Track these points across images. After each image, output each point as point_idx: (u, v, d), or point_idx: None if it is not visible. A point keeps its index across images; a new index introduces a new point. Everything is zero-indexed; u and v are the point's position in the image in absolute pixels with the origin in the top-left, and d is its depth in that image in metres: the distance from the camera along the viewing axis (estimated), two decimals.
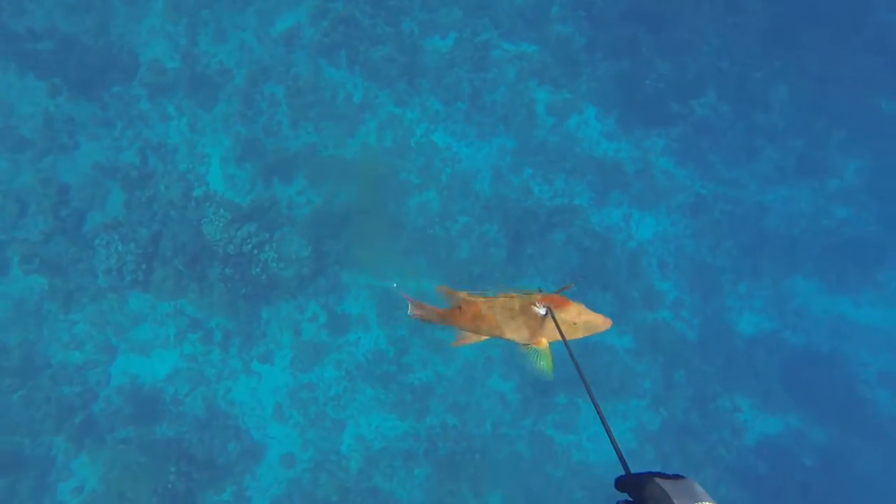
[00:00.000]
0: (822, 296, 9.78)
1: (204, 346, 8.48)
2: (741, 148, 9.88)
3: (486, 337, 2.07)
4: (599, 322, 1.95)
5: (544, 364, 1.94)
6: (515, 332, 1.98)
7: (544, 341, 1.96)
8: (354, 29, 9.61)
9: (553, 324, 1.90)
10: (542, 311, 1.88)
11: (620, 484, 1.46)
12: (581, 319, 1.92)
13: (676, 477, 1.38)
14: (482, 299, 1.99)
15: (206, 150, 8.94)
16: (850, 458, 9.24)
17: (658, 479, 1.37)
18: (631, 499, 1.40)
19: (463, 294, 2.00)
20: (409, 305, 2.14)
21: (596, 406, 1.61)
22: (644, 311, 9.34)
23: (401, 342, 8.83)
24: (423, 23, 9.84)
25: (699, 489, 1.35)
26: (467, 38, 9.80)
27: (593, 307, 1.95)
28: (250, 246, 8.42)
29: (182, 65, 9.13)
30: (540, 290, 1.94)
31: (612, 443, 1.54)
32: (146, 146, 8.96)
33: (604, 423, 1.56)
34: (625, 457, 1.51)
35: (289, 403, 8.50)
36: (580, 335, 1.95)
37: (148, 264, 8.55)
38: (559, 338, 1.91)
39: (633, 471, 1.47)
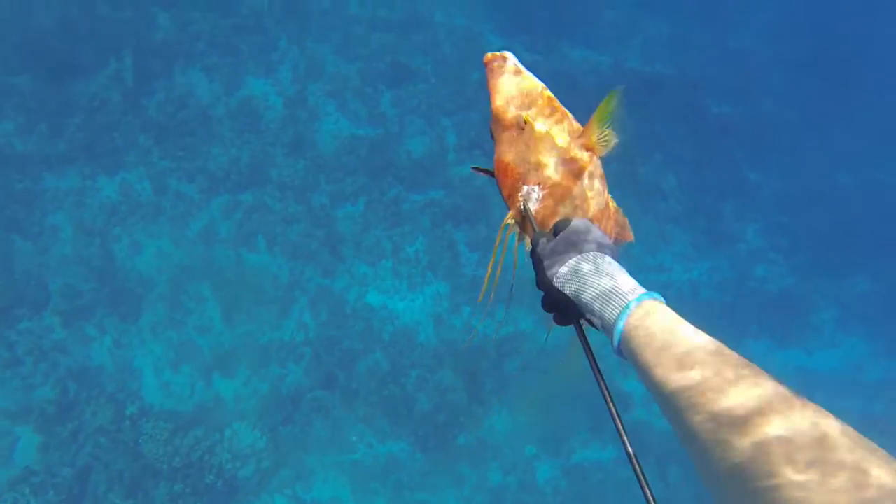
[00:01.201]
0: (776, 353, 10.05)
1: None
2: (656, 236, 10.54)
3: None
4: (521, 84, 1.41)
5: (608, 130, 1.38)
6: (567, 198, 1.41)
7: (591, 141, 1.40)
8: (267, 214, 9.81)
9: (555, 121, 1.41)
10: (525, 204, 1.37)
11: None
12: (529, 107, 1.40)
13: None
14: None
15: (134, 364, 8.36)
16: None
17: (543, 242, 1.26)
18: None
19: None
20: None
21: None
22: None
23: None
24: (332, 194, 10.23)
25: (587, 242, 1.21)
26: (376, 198, 10.24)
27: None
28: (199, 453, 7.64)
29: (98, 283, 8.81)
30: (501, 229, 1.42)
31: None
32: (66, 375, 8.26)
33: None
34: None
35: None
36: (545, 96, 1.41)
37: None
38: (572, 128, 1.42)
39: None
